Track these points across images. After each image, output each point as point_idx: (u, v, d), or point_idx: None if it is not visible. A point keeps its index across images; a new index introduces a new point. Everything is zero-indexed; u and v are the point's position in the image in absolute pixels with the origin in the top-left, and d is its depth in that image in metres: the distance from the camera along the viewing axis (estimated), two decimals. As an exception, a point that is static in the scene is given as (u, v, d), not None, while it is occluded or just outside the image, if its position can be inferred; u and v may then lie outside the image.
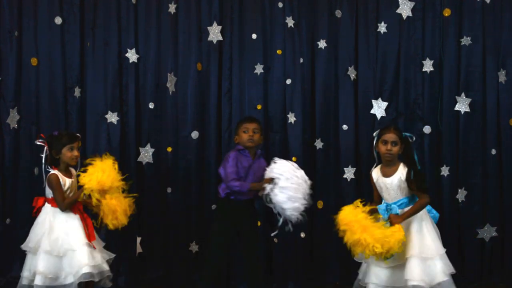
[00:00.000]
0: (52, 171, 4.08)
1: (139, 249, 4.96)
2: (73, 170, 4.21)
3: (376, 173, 4.10)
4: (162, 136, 5.00)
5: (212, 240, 4.31)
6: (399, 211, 3.93)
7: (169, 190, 4.98)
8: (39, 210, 4.15)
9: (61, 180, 4.06)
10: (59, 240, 3.98)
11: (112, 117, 4.92)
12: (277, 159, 4.16)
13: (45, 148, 4.14)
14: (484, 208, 5.01)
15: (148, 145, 4.97)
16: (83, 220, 4.06)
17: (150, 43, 4.97)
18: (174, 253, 4.94)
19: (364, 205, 3.91)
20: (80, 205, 4.10)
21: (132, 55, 4.95)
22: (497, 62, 5.01)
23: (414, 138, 4.10)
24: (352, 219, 3.84)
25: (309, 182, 4.12)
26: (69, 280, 3.93)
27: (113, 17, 4.93)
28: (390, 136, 3.99)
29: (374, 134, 4.14)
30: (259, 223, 4.89)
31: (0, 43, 4.91)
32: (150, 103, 4.97)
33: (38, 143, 4.18)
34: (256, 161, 4.30)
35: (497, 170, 5.01)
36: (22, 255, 4.83)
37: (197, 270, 4.93)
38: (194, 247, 4.95)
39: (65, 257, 3.97)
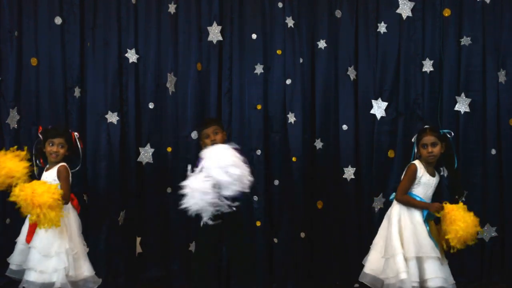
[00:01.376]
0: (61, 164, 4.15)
1: (139, 249, 4.96)
2: (56, 166, 4.19)
3: (421, 168, 4.12)
4: (162, 136, 5.00)
5: (196, 244, 4.38)
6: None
7: (169, 190, 4.97)
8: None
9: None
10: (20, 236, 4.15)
11: (112, 117, 4.92)
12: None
13: (39, 140, 4.20)
14: (484, 208, 5.00)
15: (148, 145, 4.97)
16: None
17: (150, 43, 4.97)
18: (174, 253, 4.95)
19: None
20: None
21: (132, 55, 4.95)
22: (497, 62, 5.02)
23: (453, 134, 4.18)
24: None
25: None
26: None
27: (113, 17, 4.93)
28: (428, 139, 4.10)
29: (413, 139, 4.22)
30: (258, 223, 4.91)
31: (0, 43, 4.91)
32: (150, 103, 4.97)
33: (39, 134, 4.24)
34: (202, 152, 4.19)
35: (497, 170, 5.01)
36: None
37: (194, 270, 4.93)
38: (193, 247, 4.95)
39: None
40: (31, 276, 4.00)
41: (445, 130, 4.18)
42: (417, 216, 4.03)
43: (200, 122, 4.64)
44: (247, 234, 4.49)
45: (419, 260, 3.93)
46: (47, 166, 4.23)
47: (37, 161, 4.19)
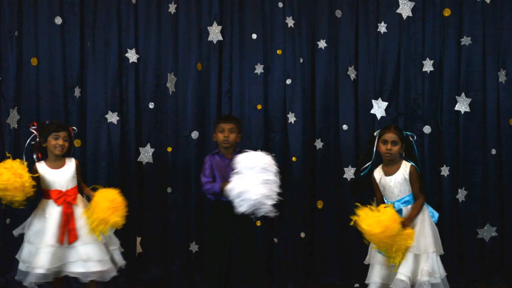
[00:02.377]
0: (37, 163, 4.12)
1: (139, 249, 4.96)
2: (69, 161, 4.18)
3: (378, 173, 4.12)
4: (162, 136, 5.00)
5: (208, 245, 4.37)
6: (403, 208, 3.98)
7: (169, 190, 4.98)
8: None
9: (40, 172, 4.08)
10: (38, 233, 4.06)
11: (112, 117, 4.92)
12: (244, 153, 4.06)
13: (35, 135, 4.16)
14: (484, 208, 5.00)
15: (148, 145, 4.97)
16: (65, 216, 4.04)
17: (150, 43, 4.97)
18: (174, 253, 4.95)
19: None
20: (73, 200, 4.10)
21: (132, 55, 4.95)
22: (497, 62, 5.01)
23: (415, 137, 4.13)
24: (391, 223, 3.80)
25: (274, 176, 3.95)
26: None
27: (113, 17, 4.93)
28: (390, 136, 4.03)
29: (375, 133, 4.15)
30: (258, 223, 4.90)
31: (0, 43, 4.91)
32: (150, 103, 4.97)
33: (31, 130, 4.19)
34: (233, 161, 4.19)
35: (497, 170, 5.01)
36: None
37: (197, 270, 4.93)
38: (194, 247, 4.95)
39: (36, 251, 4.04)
40: (92, 267, 4.00)
41: (408, 133, 4.12)
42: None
43: (222, 116, 4.70)
44: (255, 235, 4.52)
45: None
46: (45, 161, 4.15)
47: (35, 156, 4.17)
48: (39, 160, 4.16)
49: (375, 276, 3.99)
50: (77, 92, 4.95)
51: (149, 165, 4.97)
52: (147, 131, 4.98)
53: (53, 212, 4.06)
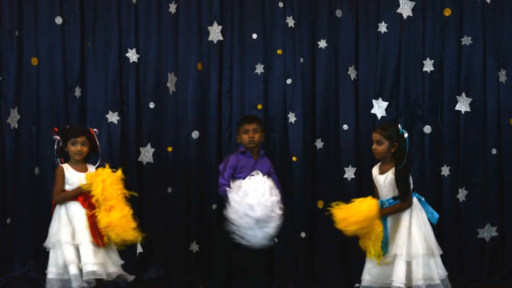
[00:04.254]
0: (61, 164, 4.12)
1: (139, 249, 4.94)
2: (89, 166, 4.21)
3: (375, 170, 4.13)
4: (163, 136, 5.00)
5: (215, 243, 4.44)
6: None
7: (169, 190, 4.97)
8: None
9: (66, 173, 4.08)
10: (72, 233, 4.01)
11: (113, 117, 4.92)
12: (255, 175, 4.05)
13: (58, 141, 4.18)
14: (484, 208, 5.00)
15: (149, 145, 4.97)
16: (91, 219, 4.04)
17: (150, 43, 4.97)
18: (175, 253, 4.94)
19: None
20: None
21: (132, 55, 4.95)
22: (498, 62, 5.01)
23: (407, 134, 4.05)
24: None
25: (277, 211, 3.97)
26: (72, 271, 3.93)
27: (114, 17, 4.93)
28: (374, 136, 4.07)
29: None
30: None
31: (1, 43, 4.90)
32: (151, 103, 4.97)
33: (54, 137, 4.20)
34: (259, 161, 4.37)
35: (497, 169, 5.00)
36: (23, 255, 4.88)
37: (197, 270, 4.93)
38: (194, 247, 4.95)
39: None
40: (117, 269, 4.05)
41: (403, 130, 4.05)
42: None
43: (243, 116, 4.71)
44: None
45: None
46: (72, 166, 4.15)
47: (58, 160, 4.19)
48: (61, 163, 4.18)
49: (365, 273, 3.99)
50: (77, 92, 4.95)
51: (149, 165, 4.97)
52: (147, 131, 4.98)
53: (80, 213, 4.03)
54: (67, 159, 4.16)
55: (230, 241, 4.21)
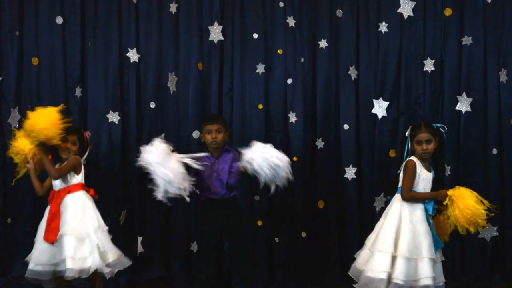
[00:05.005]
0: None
1: (140, 248, 4.96)
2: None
3: (418, 163, 4.06)
4: (163, 136, 4.98)
5: (198, 243, 4.41)
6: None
7: (170, 189, 4.97)
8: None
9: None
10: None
11: (113, 117, 4.92)
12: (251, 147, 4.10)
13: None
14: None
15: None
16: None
17: (151, 43, 4.97)
18: (175, 253, 4.95)
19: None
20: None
21: (133, 55, 4.95)
22: (498, 62, 5.01)
23: (446, 128, 4.11)
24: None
25: (285, 160, 4.08)
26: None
27: (114, 17, 4.93)
28: (423, 136, 4.02)
29: (407, 133, 4.11)
30: (260, 223, 4.91)
31: (1, 43, 4.91)
32: (151, 103, 4.97)
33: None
34: (220, 159, 4.26)
35: (498, 169, 5.01)
36: (24, 255, 4.85)
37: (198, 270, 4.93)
38: (195, 247, 4.94)
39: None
40: (69, 264, 3.92)
41: (438, 125, 4.11)
42: (418, 214, 3.97)
43: (206, 116, 4.65)
44: (248, 232, 4.51)
45: (414, 260, 3.88)
46: (58, 164, 4.16)
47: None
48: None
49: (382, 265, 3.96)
50: (78, 91, 4.95)
51: (150, 165, 4.96)
52: (148, 130, 4.97)
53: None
54: (54, 157, 4.15)
55: (213, 239, 4.25)
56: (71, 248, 3.92)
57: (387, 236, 3.93)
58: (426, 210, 3.97)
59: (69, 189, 4.09)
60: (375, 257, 3.92)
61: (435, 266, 3.92)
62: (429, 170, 4.06)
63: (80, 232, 3.97)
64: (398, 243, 3.89)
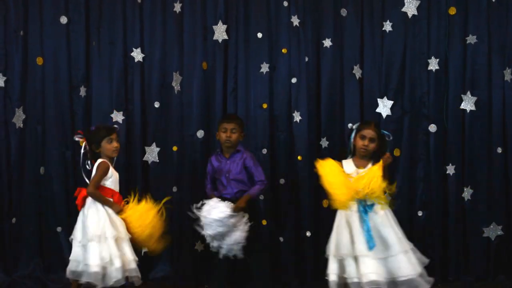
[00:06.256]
0: (102, 160, 4.19)
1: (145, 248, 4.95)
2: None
3: (349, 165, 4.15)
4: (168, 135, 5.00)
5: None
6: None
7: (174, 189, 4.98)
8: (83, 201, 4.19)
9: (110, 170, 4.19)
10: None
11: (118, 116, 4.93)
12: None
13: (84, 144, 4.23)
14: (490, 207, 4.99)
15: (154, 144, 4.97)
16: None
17: (155, 42, 4.97)
18: (180, 252, 4.95)
19: None
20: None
21: (137, 54, 4.95)
22: (503, 61, 5.00)
23: (391, 137, 4.17)
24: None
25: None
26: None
27: (119, 16, 4.94)
28: (369, 132, 4.07)
29: (354, 126, 4.22)
30: (264, 222, 4.91)
31: (6, 43, 4.91)
32: (156, 102, 4.97)
33: (76, 139, 4.29)
34: (231, 159, 4.43)
35: (503, 168, 5.00)
36: (28, 254, 4.87)
37: (203, 269, 4.93)
38: (200, 246, 4.94)
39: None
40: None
41: (385, 132, 4.18)
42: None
43: (224, 115, 4.76)
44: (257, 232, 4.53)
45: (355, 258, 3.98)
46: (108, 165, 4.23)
47: (88, 163, 4.28)
48: (91, 165, 4.25)
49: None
50: (82, 91, 4.95)
51: (154, 164, 4.97)
52: (152, 130, 4.98)
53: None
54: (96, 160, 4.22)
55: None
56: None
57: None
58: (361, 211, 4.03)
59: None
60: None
61: (375, 263, 3.95)
62: (362, 168, 4.10)
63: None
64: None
